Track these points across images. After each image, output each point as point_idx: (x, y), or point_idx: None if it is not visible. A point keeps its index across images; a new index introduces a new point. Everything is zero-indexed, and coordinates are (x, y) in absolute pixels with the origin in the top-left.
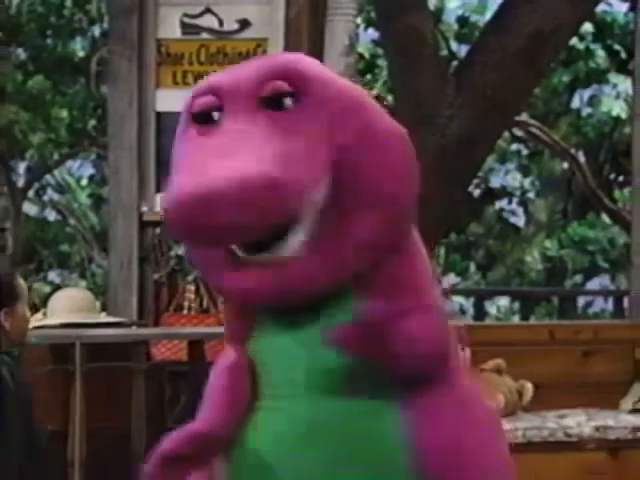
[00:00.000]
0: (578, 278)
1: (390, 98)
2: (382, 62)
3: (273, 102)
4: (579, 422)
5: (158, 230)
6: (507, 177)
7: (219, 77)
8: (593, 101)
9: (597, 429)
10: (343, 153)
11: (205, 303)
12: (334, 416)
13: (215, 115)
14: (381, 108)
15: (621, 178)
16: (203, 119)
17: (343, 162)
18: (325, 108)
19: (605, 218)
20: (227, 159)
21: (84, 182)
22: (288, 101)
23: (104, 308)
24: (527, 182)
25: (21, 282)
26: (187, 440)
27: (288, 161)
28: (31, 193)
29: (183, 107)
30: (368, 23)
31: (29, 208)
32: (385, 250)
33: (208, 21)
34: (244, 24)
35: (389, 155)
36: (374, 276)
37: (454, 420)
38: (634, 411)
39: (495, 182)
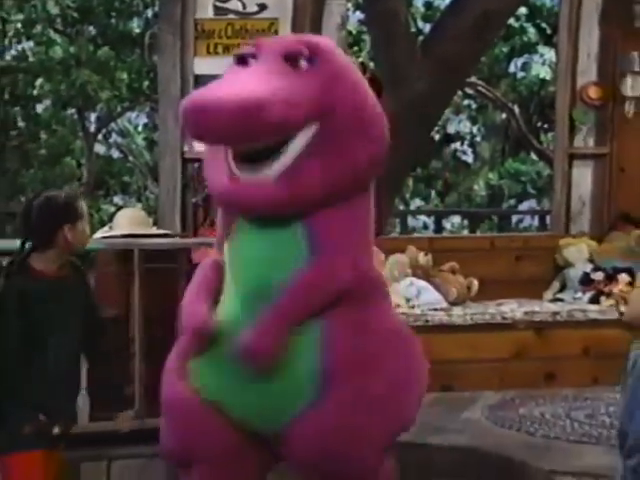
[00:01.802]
0: (512, 201)
1: (372, 64)
2: (366, 37)
3: (293, 60)
4: (512, 309)
5: (196, 165)
6: (460, 125)
7: (266, 39)
8: (525, 67)
9: (526, 313)
10: (334, 106)
11: None
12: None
13: (251, 61)
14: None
15: (546, 125)
16: (241, 62)
17: (332, 114)
18: (326, 74)
19: (533, 156)
20: (236, 85)
21: (140, 128)
22: (303, 62)
23: (155, 223)
24: (475, 129)
25: (82, 203)
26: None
27: (282, 94)
28: (100, 137)
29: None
30: (356, 7)
31: (99, 148)
32: (341, 193)
33: (234, 5)
34: (262, 7)
35: (368, 116)
36: (324, 222)
37: (360, 331)
38: (553, 300)
39: (451, 128)
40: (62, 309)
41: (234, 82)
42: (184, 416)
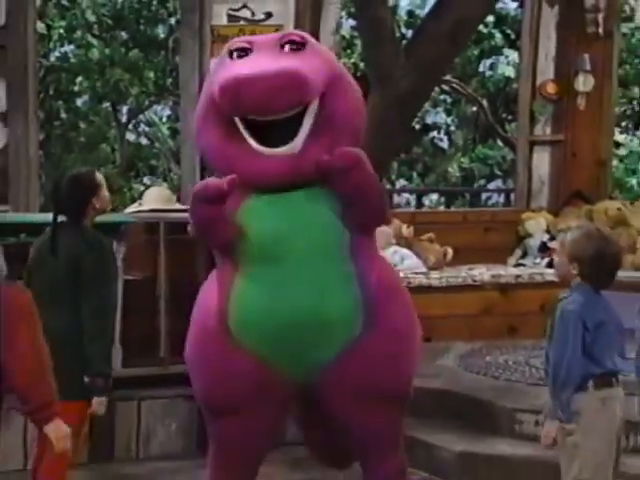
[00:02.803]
0: (482, 181)
1: (362, 65)
2: (357, 41)
3: (290, 45)
4: (481, 272)
5: None
6: (437, 116)
7: (252, 36)
8: (493, 67)
9: (493, 276)
10: (333, 78)
11: None
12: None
13: (249, 52)
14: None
15: (510, 117)
16: (239, 55)
17: (332, 85)
18: (319, 54)
19: (499, 143)
20: (263, 63)
21: (164, 119)
22: (302, 47)
23: (178, 200)
24: (450, 120)
25: (99, 175)
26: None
27: (303, 65)
28: (130, 126)
29: (222, 52)
30: (349, 14)
31: (129, 136)
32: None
33: (244, 13)
34: (268, 15)
35: (352, 95)
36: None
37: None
38: (516, 265)
39: (429, 119)
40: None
41: (258, 62)
42: (219, 364)
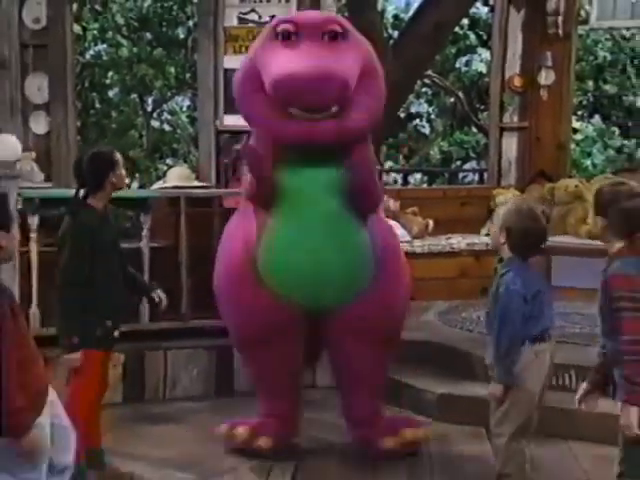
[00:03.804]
0: (459, 162)
1: None
2: None
3: (330, 36)
4: (458, 241)
5: (225, 135)
6: (420, 106)
7: (294, 15)
8: (468, 63)
9: (468, 244)
10: (365, 69)
11: None
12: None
13: (292, 37)
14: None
15: (483, 107)
16: (283, 37)
17: (366, 74)
18: (357, 45)
19: (474, 129)
20: (315, 61)
21: (184, 109)
22: (340, 37)
23: (197, 178)
24: (431, 109)
25: (117, 154)
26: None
27: (344, 67)
28: (155, 115)
29: (266, 28)
30: (343, 17)
31: (154, 123)
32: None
33: (252, 16)
34: (272, 17)
35: (378, 72)
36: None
37: (387, 229)
38: (487, 234)
39: (413, 109)
40: (108, 234)
41: (305, 58)
42: (259, 310)
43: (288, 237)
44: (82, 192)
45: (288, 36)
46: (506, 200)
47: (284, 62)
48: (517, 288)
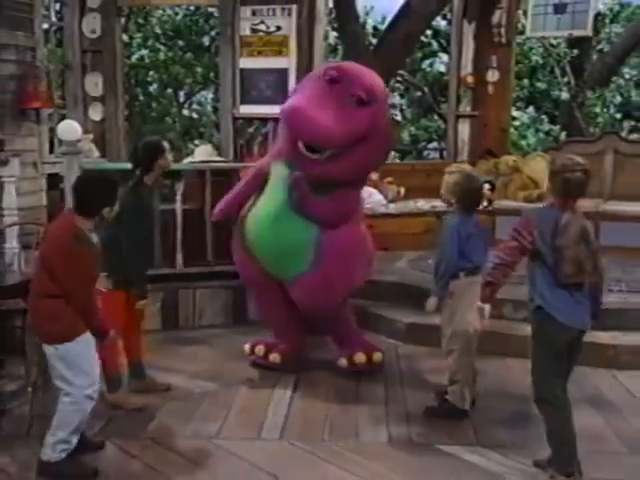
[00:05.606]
0: (424, 143)
1: None
2: (340, 46)
3: (358, 100)
4: (423, 204)
5: (241, 121)
6: (394, 100)
7: (346, 70)
8: (431, 65)
9: (431, 207)
10: (372, 132)
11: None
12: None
13: (333, 86)
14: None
15: (443, 99)
16: (326, 80)
17: (370, 135)
18: (374, 112)
19: (436, 117)
20: (326, 116)
21: (209, 100)
22: (362, 102)
23: (219, 154)
24: (403, 101)
25: (165, 143)
26: None
27: (349, 130)
28: (186, 105)
29: (318, 70)
30: (333, 28)
31: (185, 112)
32: (355, 180)
33: (262, 27)
34: (278, 28)
35: (386, 135)
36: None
37: (348, 234)
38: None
39: (388, 101)
40: (154, 207)
41: (324, 112)
42: (244, 263)
43: (259, 215)
44: (137, 172)
45: (332, 81)
46: (451, 171)
47: (307, 107)
48: (453, 224)
